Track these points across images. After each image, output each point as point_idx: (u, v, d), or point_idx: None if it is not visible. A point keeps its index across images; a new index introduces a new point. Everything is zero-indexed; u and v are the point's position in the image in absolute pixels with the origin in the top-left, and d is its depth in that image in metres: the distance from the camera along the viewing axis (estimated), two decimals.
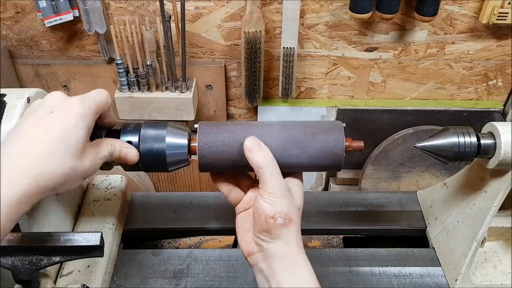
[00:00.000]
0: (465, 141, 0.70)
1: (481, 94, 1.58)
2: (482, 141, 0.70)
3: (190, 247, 1.02)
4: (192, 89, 1.45)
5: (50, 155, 0.52)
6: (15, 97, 0.66)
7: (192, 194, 0.98)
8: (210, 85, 1.53)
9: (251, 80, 1.45)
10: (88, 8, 1.34)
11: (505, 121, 1.57)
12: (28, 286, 0.66)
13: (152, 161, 0.64)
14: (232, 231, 0.95)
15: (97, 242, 0.63)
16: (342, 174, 1.71)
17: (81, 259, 0.69)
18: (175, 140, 0.64)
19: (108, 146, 0.60)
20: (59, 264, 0.78)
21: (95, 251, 0.64)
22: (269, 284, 0.58)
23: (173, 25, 1.36)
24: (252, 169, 0.61)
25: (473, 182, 0.80)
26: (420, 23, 1.41)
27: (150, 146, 0.63)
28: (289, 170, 0.64)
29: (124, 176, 0.94)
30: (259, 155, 0.60)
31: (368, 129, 1.59)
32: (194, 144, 0.64)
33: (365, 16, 1.31)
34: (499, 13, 1.32)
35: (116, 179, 0.94)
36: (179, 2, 1.28)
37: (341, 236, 1.05)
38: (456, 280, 0.80)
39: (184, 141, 0.64)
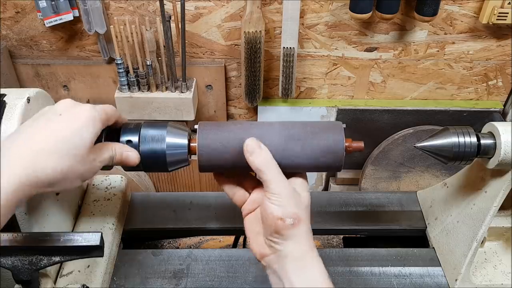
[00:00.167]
0: (465, 141, 0.70)
1: (481, 94, 1.58)
2: (482, 141, 0.70)
3: (190, 247, 1.02)
4: (192, 89, 1.45)
5: (52, 152, 0.53)
6: (15, 97, 0.66)
7: (192, 194, 0.98)
8: (210, 85, 1.53)
9: (251, 80, 1.45)
10: (88, 8, 1.34)
11: (505, 121, 1.57)
12: (28, 286, 0.66)
13: (152, 161, 0.64)
14: (232, 231, 0.95)
15: (97, 242, 0.63)
16: (342, 174, 1.71)
17: (81, 259, 0.69)
18: (175, 140, 0.64)
19: (109, 151, 0.60)
20: (59, 264, 0.78)
21: (95, 251, 0.64)
22: (282, 284, 0.59)
23: (173, 25, 1.36)
24: (252, 169, 0.61)
25: (473, 182, 0.80)
26: (420, 23, 1.41)
27: (150, 146, 0.63)
28: (289, 170, 0.64)
29: (124, 176, 0.94)
30: (260, 157, 0.60)
31: (368, 129, 1.59)
32: (194, 144, 0.64)
33: (365, 16, 1.31)
34: (499, 13, 1.32)
35: (116, 179, 0.94)
36: (179, 2, 1.28)
37: (341, 236, 1.06)
38: (456, 280, 0.80)
39: (184, 141, 0.64)
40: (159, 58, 1.42)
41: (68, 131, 0.55)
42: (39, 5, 1.33)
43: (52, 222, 0.76)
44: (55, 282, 0.76)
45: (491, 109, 1.57)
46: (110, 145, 0.61)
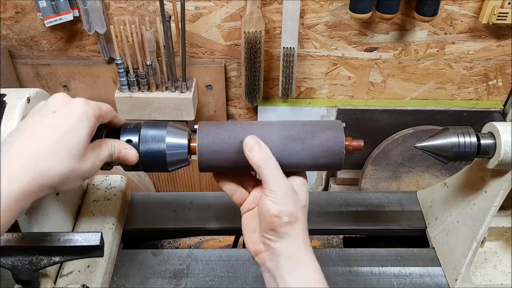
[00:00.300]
0: (465, 141, 0.70)
1: (481, 94, 1.58)
2: (482, 141, 0.70)
3: (190, 247, 1.02)
4: (192, 89, 1.45)
5: (51, 154, 0.52)
6: (15, 97, 0.66)
7: (192, 194, 0.98)
8: (210, 85, 1.53)
9: (251, 80, 1.45)
10: (88, 8, 1.34)
11: (505, 121, 1.57)
12: (28, 286, 0.66)
13: (152, 161, 0.64)
14: (232, 231, 0.95)
15: (97, 242, 0.63)
16: (342, 174, 1.71)
17: (81, 259, 0.69)
18: (175, 140, 0.64)
19: (108, 147, 0.60)
20: (59, 264, 0.78)
21: (95, 251, 0.64)
22: (276, 283, 0.58)
23: (173, 25, 1.36)
24: (253, 169, 0.61)
25: (473, 182, 0.80)
26: (420, 23, 1.41)
27: (150, 146, 0.63)
28: (289, 169, 0.64)
29: (124, 176, 0.94)
30: (259, 154, 0.60)
31: (368, 129, 1.59)
32: (194, 144, 0.64)
33: (365, 16, 1.31)
34: (499, 13, 1.32)
35: (116, 179, 0.94)
36: (179, 2, 1.28)
37: (341, 236, 1.06)
38: (456, 280, 0.80)
39: (184, 141, 0.64)
40: (159, 58, 1.42)
41: (63, 129, 0.54)
42: (39, 5, 1.33)
43: (52, 222, 0.76)
44: (55, 282, 0.76)
45: (491, 109, 1.57)
46: (109, 142, 0.61)
